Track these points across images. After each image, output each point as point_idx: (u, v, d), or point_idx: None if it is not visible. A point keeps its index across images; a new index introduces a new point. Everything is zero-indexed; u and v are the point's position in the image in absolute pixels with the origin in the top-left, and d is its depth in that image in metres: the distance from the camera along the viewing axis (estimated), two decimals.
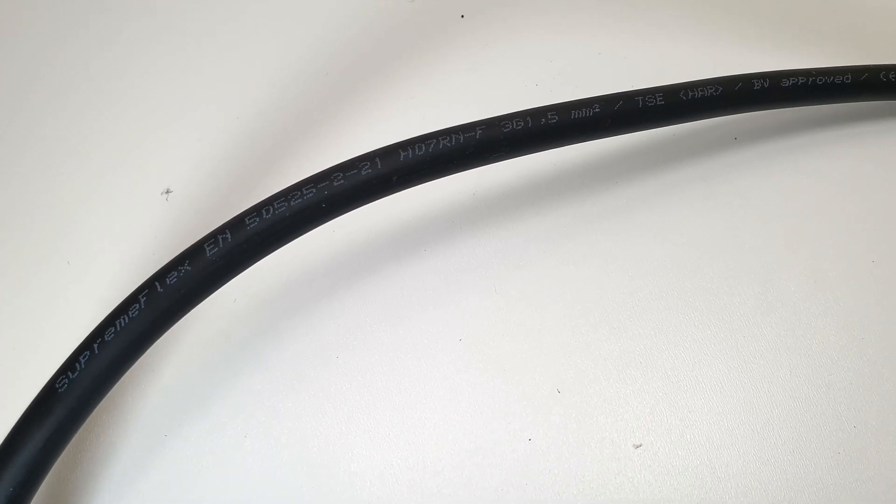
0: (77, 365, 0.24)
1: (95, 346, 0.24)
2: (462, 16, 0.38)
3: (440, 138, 0.26)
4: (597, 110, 0.28)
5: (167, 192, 0.34)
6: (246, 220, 0.25)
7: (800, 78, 0.31)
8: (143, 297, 0.24)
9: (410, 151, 0.26)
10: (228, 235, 0.25)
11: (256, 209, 0.25)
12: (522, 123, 0.27)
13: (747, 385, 0.29)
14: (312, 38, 0.38)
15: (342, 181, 0.25)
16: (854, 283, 0.31)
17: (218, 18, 0.40)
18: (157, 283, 0.24)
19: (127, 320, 0.24)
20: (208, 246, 0.25)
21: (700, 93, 0.30)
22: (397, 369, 0.30)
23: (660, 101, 0.29)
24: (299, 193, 0.25)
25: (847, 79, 0.32)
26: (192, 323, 0.31)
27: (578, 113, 0.28)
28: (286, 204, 0.25)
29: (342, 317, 0.31)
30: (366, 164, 0.25)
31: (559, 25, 0.37)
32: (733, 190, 0.33)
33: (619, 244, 0.32)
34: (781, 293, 0.31)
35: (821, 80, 0.32)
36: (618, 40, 0.37)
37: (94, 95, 0.38)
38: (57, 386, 0.24)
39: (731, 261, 0.32)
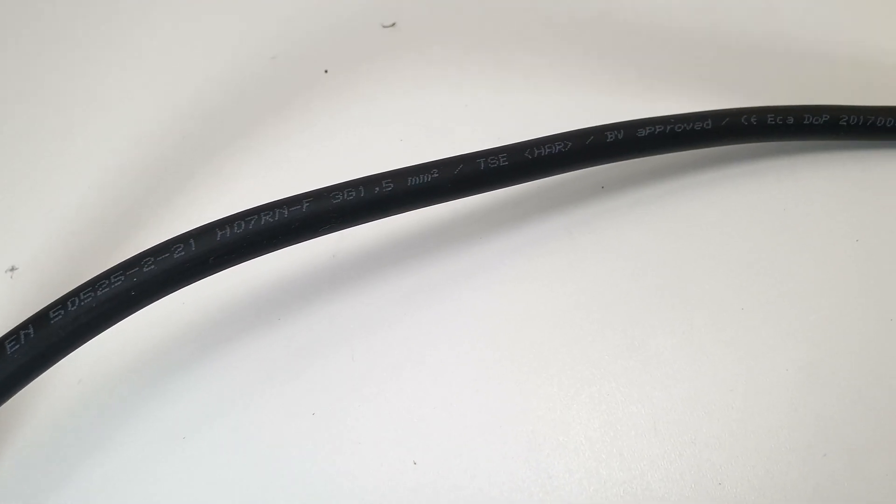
0: None
1: None
2: (326, 71, 0.37)
3: (262, 214, 0.25)
4: (435, 175, 0.27)
5: (12, 269, 0.33)
6: (50, 313, 0.23)
7: (657, 126, 0.31)
8: None
9: (229, 230, 0.25)
10: (31, 331, 0.23)
11: (62, 301, 0.24)
12: (354, 193, 0.26)
13: (615, 443, 0.28)
14: (168, 101, 0.37)
15: (153, 266, 0.24)
16: (723, 332, 0.31)
17: (70, 85, 0.38)
18: None
19: None
20: (9, 343, 0.23)
21: (548, 150, 0.29)
22: (247, 451, 0.29)
23: (503, 161, 0.28)
24: (107, 282, 0.24)
25: (707, 124, 0.32)
26: (34, 407, 0.30)
27: (416, 179, 0.27)
28: (93, 294, 0.23)
29: (193, 393, 0.30)
30: (178, 247, 0.24)
31: (425, 78, 0.36)
32: (598, 240, 0.33)
33: (483, 302, 0.31)
34: (647, 344, 0.30)
35: (679, 128, 0.31)
36: (486, 92, 0.36)
37: None
38: None
39: (596, 313, 0.31)
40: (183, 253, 0.24)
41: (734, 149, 0.35)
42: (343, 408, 0.29)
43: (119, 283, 0.24)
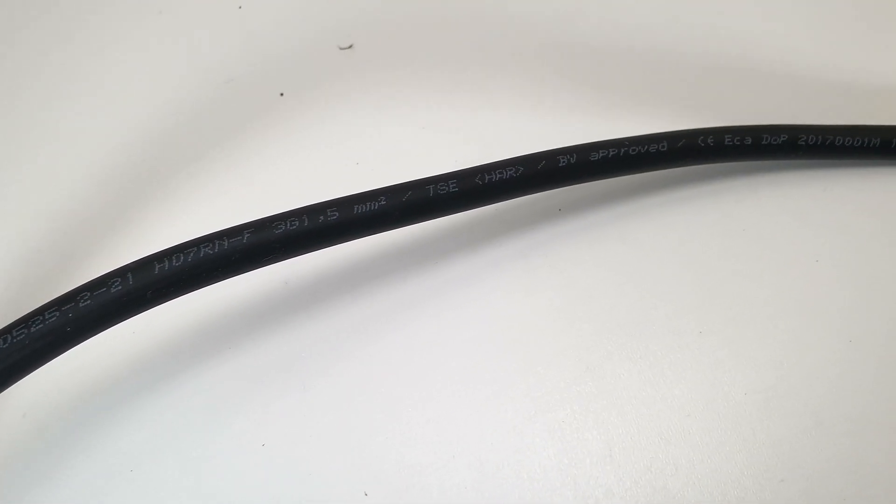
0: None
1: None
2: (281, 94, 0.37)
3: (202, 246, 0.25)
4: (383, 203, 0.27)
5: None
6: None
7: (610, 150, 0.31)
8: None
9: (167, 263, 0.24)
10: None
11: None
12: (298, 223, 0.26)
13: (569, 471, 0.28)
14: (121, 126, 0.36)
15: (89, 301, 0.23)
16: (680, 356, 0.30)
17: (17, 111, 0.38)
18: None
19: None
20: None
21: (499, 175, 0.29)
22: (195, 484, 0.28)
23: (453, 187, 0.28)
24: (41, 318, 0.23)
25: (663, 146, 0.31)
26: None
27: (362, 207, 0.26)
28: (26, 331, 0.23)
29: (140, 425, 0.29)
30: (116, 281, 0.24)
31: (382, 100, 0.36)
32: (554, 264, 0.32)
33: (436, 329, 0.31)
34: (603, 369, 0.30)
35: (634, 150, 0.31)
36: (443, 114, 0.36)
37: None
38: None
39: (552, 337, 0.30)
40: (120, 287, 0.24)
41: (694, 169, 0.35)
42: (293, 439, 0.29)
43: (54, 319, 0.23)
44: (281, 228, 0.25)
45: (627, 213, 0.34)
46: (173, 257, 0.24)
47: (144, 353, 0.31)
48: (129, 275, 0.24)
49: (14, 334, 0.23)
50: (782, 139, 0.33)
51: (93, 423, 0.29)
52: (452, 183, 0.28)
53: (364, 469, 0.28)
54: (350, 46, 0.38)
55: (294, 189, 0.34)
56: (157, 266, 0.24)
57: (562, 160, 0.30)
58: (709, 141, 0.32)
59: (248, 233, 0.25)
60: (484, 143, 0.35)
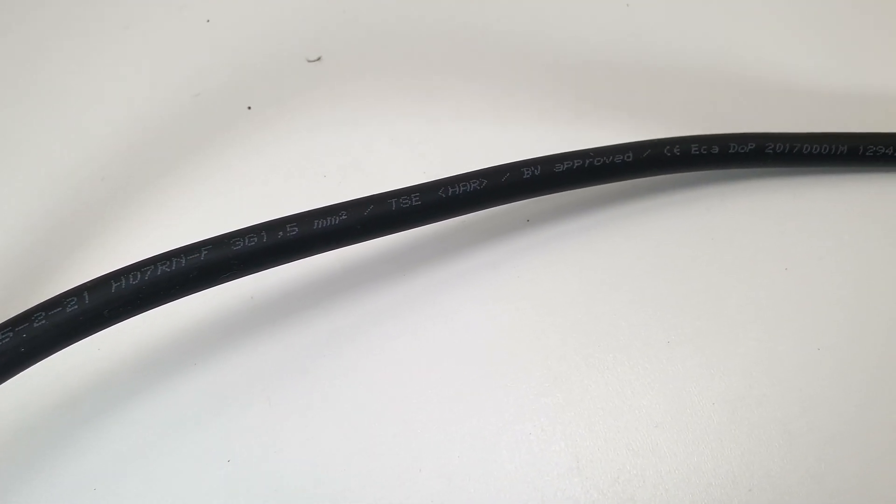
0: None
1: None
2: (249, 107, 0.37)
3: (159, 264, 0.24)
4: (344, 217, 0.27)
5: None
6: None
7: (575, 161, 0.30)
8: None
9: (124, 281, 0.24)
10: None
11: None
12: (256, 239, 0.25)
13: (536, 483, 0.27)
14: (86, 141, 0.36)
15: (44, 321, 0.23)
16: (648, 366, 0.30)
17: None
18: None
19: None
20: None
21: (462, 188, 0.28)
22: (159, 501, 0.28)
23: (416, 201, 0.28)
24: None
25: (628, 157, 0.31)
26: None
27: (323, 222, 0.26)
28: None
29: (104, 442, 0.29)
30: (72, 300, 0.23)
31: (350, 112, 0.36)
32: (523, 275, 0.32)
33: (403, 342, 0.31)
34: (570, 380, 0.29)
35: (599, 161, 0.31)
36: (412, 126, 0.36)
37: None
38: None
39: (520, 348, 0.30)
40: (76, 307, 0.24)
41: (663, 178, 0.35)
42: (259, 454, 0.29)
43: (7, 339, 0.23)
44: (239, 245, 0.25)
45: (596, 223, 0.34)
46: (130, 275, 0.24)
47: (109, 369, 0.31)
48: (86, 294, 0.24)
49: None
50: (750, 147, 0.33)
51: (55, 441, 0.29)
52: (415, 196, 0.28)
53: (330, 483, 0.28)
54: (318, 59, 0.38)
55: (262, 203, 0.34)
56: (114, 284, 0.24)
57: (526, 172, 0.29)
58: (675, 150, 0.32)
59: (205, 250, 0.25)
60: (453, 156, 0.35)
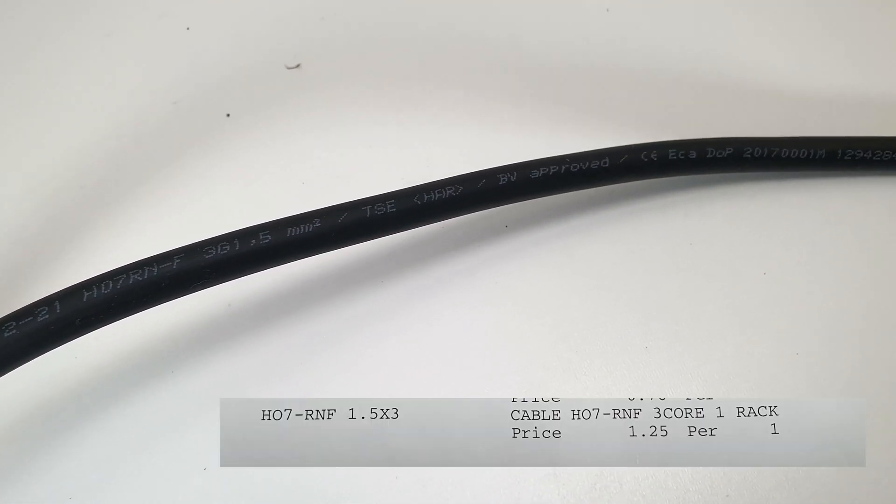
0: None
1: None
2: (228, 115, 0.37)
3: (131, 273, 0.24)
4: (318, 225, 0.27)
5: None
6: None
7: (551, 167, 0.30)
8: None
9: (96, 290, 0.24)
10: None
11: None
12: (229, 247, 0.25)
13: (512, 492, 0.27)
14: (65, 149, 0.36)
15: (14, 331, 0.23)
16: (626, 373, 0.30)
17: None
18: None
19: None
20: None
21: (438, 195, 0.28)
22: None
23: (391, 208, 0.28)
24: None
25: (605, 162, 0.31)
26: None
27: (296, 230, 0.26)
28: None
29: (81, 451, 0.29)
30: (43, 310, 0.24)
31: (330, 119, 0.36)
32: (502, 281, 0.32)
33: (383, 348, 0.31)
34: (547, 387, 0.29)
35: (575, 167, 0.31)
36: (390, 132, 0.36)
37: None
38: None
39: (499, 355, 0.30)
40: (48, 316, 0.24)
41: (642, 183, 0.35)
42: None
43: None
44: (212, 253, 0.25)
45: (574, 228, 0.34)
46: (102, 285, 0.24)
47: (86, 377, 0.30)
48: (57, 303, 0.24)
49: None
50: (728, 152, 0.33)
51: (32, 450, 0.29)
52: (390, 203, 0.28)
53: (307, 490, 0.28)
54: (298, 66, 0.38)
55: (241, 210, 0.34)
56: (86, 294, 0.24)
57: (502, 178, 0.29)
58: (652, 156, 0.32)
59: (178, 258, 0.25)
60: (432, 162, 0.35)
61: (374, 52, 0.40)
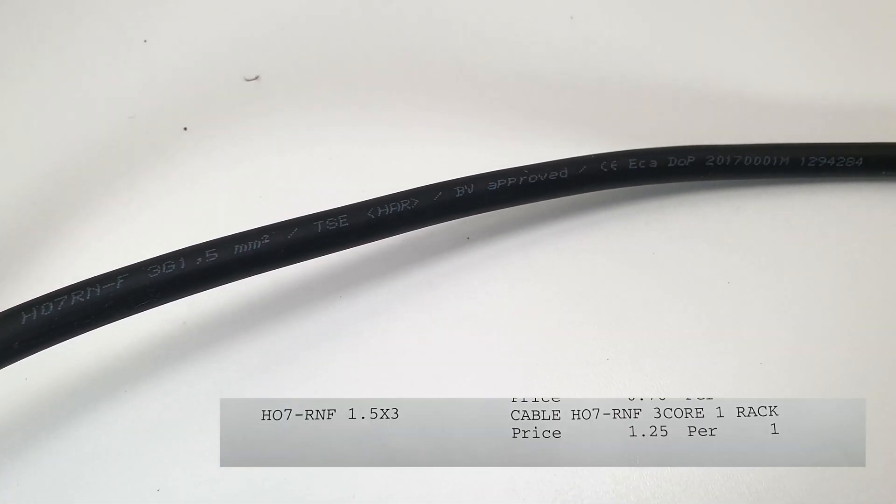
0: None
1: None
2: (185, 128, 0.36)
3: (72, 294, 0.24)
4: (266, 241, 0.26)
5: None
6: None
7: (509, 179, 0.30)
8: None
9: (35, 312, 0.23)
10: None
11: None
12: (174, 266, 0.25)
13: None
14: (18, 162, 0.35)
15: None
16: (588, 385, 0.30)
17: None
18: None
19: None
20: None
21: (392, 208, 0.28)
22: None
23: (343, 223, 0.27)
24: None
25: (563, 173, 0.31)
26: None
27: (244, 247, 0.26)
28: None
29: (28, 474, 0.28)
30: None
31: (288, 131, 0.36)
32: (462, 293, 0.32)
33: (339, 365, 0.30)
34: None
35: (534, 178, 0.31)
36: (351, 144, 0.35)
37: None
38: None
39: (461, 369, 0.30)
40: None
41: (605, 192, 0.34)
42: (190, 483, 0.28)
43: None
44: (157, 272, 0.25)
45: (536, 239, 0.33)
46: (42, 307, 0.23)
47: (36, 400, 0.30)
48: None
49: None
50: (690, 161, 0.33)
51: None
52: (342, 218, 0.27)
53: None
54: (256, 77, 0.38)
55: (198, 226, 0.33)
56: (25, 316, 0.23)
57: (459, 191, 0.29)
58: (612, 166, 0.32)
59: (122, 278, 0.24)
60: (393, 175, 0.34)
61: (333, 64, 0.39)
